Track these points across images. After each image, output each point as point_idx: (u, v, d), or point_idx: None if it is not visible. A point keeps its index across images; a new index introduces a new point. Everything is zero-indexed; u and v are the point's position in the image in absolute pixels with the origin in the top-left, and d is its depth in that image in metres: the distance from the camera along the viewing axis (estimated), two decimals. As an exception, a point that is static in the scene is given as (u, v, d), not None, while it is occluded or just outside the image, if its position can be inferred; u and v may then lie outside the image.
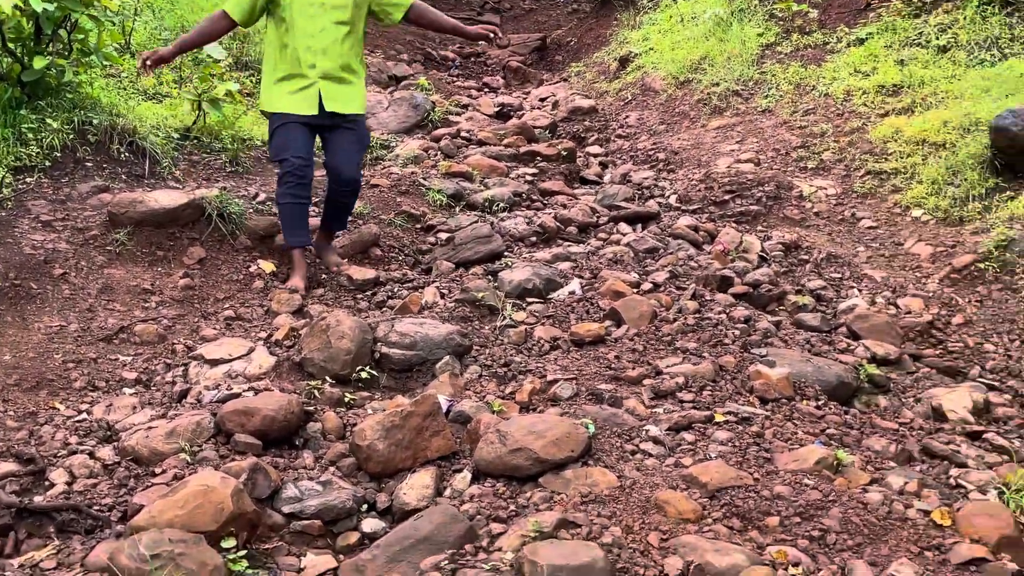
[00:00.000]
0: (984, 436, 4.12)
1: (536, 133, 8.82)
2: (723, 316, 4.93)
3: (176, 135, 6.75)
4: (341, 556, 3.35)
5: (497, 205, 6.86)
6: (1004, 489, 3.62)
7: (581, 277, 5.53)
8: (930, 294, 5.43)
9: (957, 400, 4.34)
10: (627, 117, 9.44)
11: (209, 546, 3.02)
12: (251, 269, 5.63)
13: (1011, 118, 6.11)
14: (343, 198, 5.74)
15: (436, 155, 7.98)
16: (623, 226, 6.50)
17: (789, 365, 4.42)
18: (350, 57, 5.55)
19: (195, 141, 6.85)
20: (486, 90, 11.31)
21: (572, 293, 5.32)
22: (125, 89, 7.27)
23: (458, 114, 9.49)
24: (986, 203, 6.15)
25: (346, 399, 4.31)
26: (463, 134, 8.64)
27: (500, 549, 3.12)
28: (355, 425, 3.96)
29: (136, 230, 5.55)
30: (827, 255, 5.87)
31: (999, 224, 5.75)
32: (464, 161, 7.77)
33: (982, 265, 5.52)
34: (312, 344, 4.56)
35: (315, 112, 5.47)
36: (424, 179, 7.12)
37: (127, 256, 5.45)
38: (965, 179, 6.34)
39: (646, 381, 4.33)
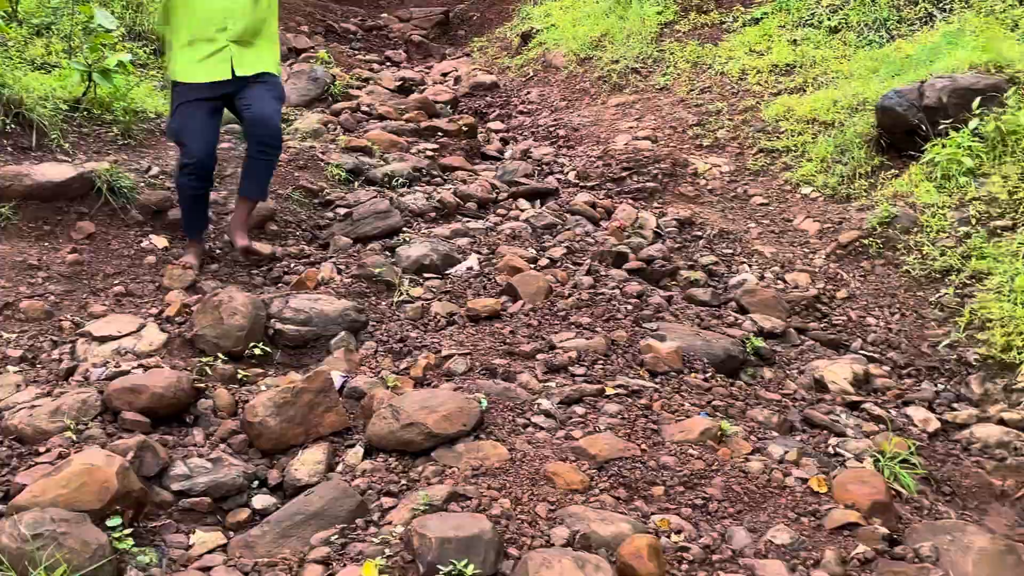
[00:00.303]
0: (863, 406, 4.29)
1: (437, 108, 8.80)
2: (617, 291, 5.01)
3: (65, 107, 6.54)
4: (231, 533, 3.34)
5: (397, 180, 6.83)
6: (879, 457, 3.77)
7: (479, 253, 5.56)
8: (816, 269, 5.59)
9: (838, 371, 4.50)
10: (528, 93, 9.48)
11: (93, 525, 2.97)
12: (143, 244, 5.51)
13: (896, 98, 6.31)
14: (265, 154, 5.38)
15: (336, 129, 7.89)
16: (522, 202, 6.55)
17: (679, 339, 4.52)
18: (262, 22, 5.35)
19: (85, 113, 6.65)
20: (388, 64, 11.23)
21: (470, 269, 5.35)
22: (11, 59, 7.02)
23: (359, 88, 9.39)
24: (872, 180, 6.36)
25: (239, 376, 4.27)
26: (363, 108, 8.57)
27: (390, 523, 3.14)
28: (248, 402, 3.93)
29: (22, 204, 5.39)
30: (719, 231, 6.00)
31: (883, 201, 5.94)
32: (364, 135, 7.71)
33: (866, 241, 5.71)
34: (204, 320, 4.50)
35: (228, 76, 5.25)
36: (323, 153, 7.05)
37: (12, 231, 5.29)
38: (852, 157, 6.53)
39: (540, 356, 4.38)
